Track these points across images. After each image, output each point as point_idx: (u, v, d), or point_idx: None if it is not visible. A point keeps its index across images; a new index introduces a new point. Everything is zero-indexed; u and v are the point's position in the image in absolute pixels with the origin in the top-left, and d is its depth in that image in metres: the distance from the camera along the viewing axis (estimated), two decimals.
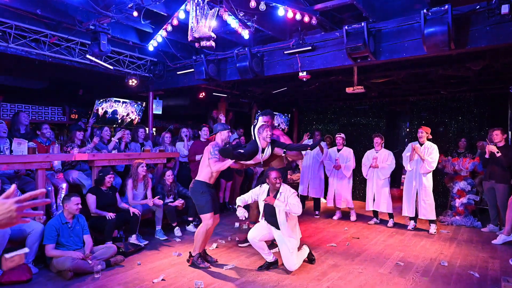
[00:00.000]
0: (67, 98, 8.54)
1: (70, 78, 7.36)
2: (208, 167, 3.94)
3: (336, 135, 6.64)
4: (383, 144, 6.19)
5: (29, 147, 4.28)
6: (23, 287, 3.38)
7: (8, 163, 4.00)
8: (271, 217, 3.93)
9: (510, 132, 6.94)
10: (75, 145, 5.12)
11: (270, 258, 4.00)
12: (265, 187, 4.00)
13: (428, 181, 5.58)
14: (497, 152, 5.27)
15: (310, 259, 4.15)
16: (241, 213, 3.83)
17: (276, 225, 3.89)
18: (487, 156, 5.45)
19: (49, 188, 4.60)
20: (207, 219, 3.91)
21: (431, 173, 5.59)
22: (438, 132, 8.00)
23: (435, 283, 3.63)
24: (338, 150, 6.50)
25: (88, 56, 5.41)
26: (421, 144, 5.59)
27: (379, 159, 6.02)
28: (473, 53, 4.98)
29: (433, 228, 5.54)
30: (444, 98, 7.93)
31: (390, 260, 4.30)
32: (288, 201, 3.79)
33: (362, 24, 4.12)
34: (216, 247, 4.72)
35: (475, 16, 3.73)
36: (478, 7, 3.66)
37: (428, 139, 5.64)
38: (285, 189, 3.91)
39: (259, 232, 3.98)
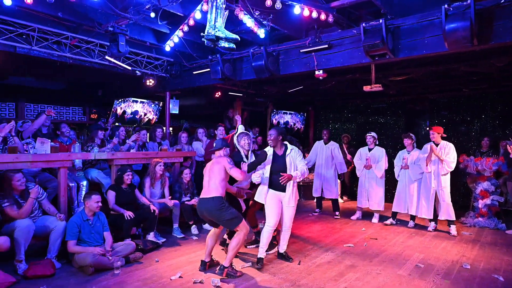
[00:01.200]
0: (87, 98, 8.75)
1: (89, 79, 7.54)
2: (223, 182, 3.75)
3: (367, 135, 6.34)
4: (415, 144, 5.98)
5: (51, 146, 4.40)
6: (47, 281, 3.47)
7: (32, 161, 4.13)
8: (278, 185, 4.00)
9: None
10: (95, 144, 5.23)
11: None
12: (268, 149, 4.10)
13: (447, 182, 5.46)
14: None
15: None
16: (257, 176, 4.03)
17: (284, 188, 4.03)
18: (511, 156, 5.27)
19: (72, 184, 4.73)
20: (244, 228, 3.70)
21: (449, 174, 5.46)
22: (459, 131, 7.79)
23: (457, 286, 3.53)
24: (370, 150, 6.27)
25: (107, 57, 5.53)
26: (436, 145, 5.45)
27: (409, 159, 5.88)
28: (497, 49, 4.80)
29: (453, 229, 5.40)
30: (466, 95, 7.71)
31: (409, 262, 4.21)
32: (298, 167, 4.01)
33: (380, 21, 4.05)
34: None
35: (500, 10, 3.59)
36: (502, 1, 3.52)
37: (444, 138, 5.50)
38: (292, 146, 4.12)
39: (275, 212, 4.03)
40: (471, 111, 7.67)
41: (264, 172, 4.09)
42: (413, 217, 5.92)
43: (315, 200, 7.21)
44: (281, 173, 3.92)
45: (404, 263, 4.16)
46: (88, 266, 3.66)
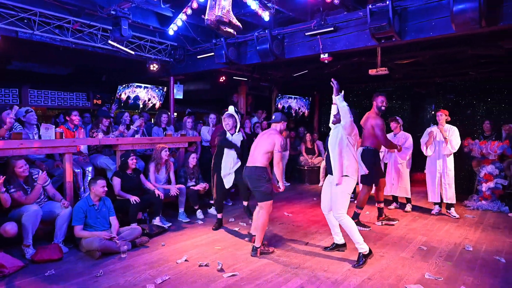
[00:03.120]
0: (91, 83, 8.72)
1: (93, 64, 7.49)
2: (267, 154, 3.89)
3: (390, 120, 6.06)
4: (401, 126, 5.99)
5: (56, 132, 4.43)
6: (55, 265, 3.55)
7: (37, 147, 4.16)
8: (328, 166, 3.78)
9: None
10: (100, 130, 5.25)
11: (338, 239, 4.00)
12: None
13: (451, 165, 5.49)
14: None
15: None
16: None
17: (331, 170, 3.72)
18: None
19: (78, 170, 4.78)
20: (270, 206, 3.86)
21: (452, 157, 5.46)
22: (465, 115, 7.72)
23: (459, 267, 3.57)
24: (395, 135, 6.04)
25: (110, 41, 5.48)
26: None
27: (396, 142, 5.85)
28: (506, 30, 4.70)
29: (453, 211, 5.46)
30: (473, 79, 7.60)
31: (412, 244, 4.25)
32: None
33: (387, 2, 3.95)
34: (238, 230, 4.80)
35: None
36: None
37: (449, 122, 5.49)
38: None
39: (324, 198, 3.90)
40: (477, 94, 7.58)
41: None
42: (408, 200, 5.94)
43: (319, 184, 7.21)
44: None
45: (407, 246, 4.20)
46: (95, 250, 3.73)
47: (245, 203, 5.00)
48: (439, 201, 5.62)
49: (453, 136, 5.39)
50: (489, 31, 3.94)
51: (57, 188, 4.37)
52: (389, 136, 5.95)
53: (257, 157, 3.90)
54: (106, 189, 4.10)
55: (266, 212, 3.84)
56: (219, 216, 4.89)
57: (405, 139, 5.86)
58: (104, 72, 8.46)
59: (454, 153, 5.55)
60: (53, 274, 3.37)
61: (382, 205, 5.13)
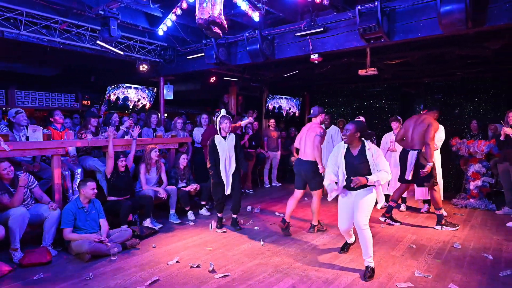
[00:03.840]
0: (80, 84, 8.63)
1: (81, 65, 7.41)
2: (317, 149, 4.40)
3: (391, 119, 6.06)
4: (401, 126, 6.01)
5: (44, 134, 4.36)
6: (44, 269, 3.50)
7: (24, 149, 4.09)
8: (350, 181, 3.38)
9: None
10: (89, 131, 5.19)
11: (351, 239, 4.00)
12: (341, 144, 3.57)
13: (439, 166, 5.51)
14: None
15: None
16: (332, 186, 3.52)
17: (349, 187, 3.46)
18: (502, 138, 5.33)
19: (66, 173, 4.71)
20: (321, 192, 4.59)
21: (439, 158, 5.52)
22: (453, 114, 7.84)
23: (447, 265, 3.63)
24: (395, 135, 6.01)
25: (98, 42, 5.42)
26: None
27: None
28: (492, 31, 4.79)
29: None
30: (460, 79, 7.72)
31: (402, 243, 4.30)
32: (378, 169, 3.33)
33: (376, 3, 4.00)
34: (224, 232, 4.79)
35: None
36: None
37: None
38: (371, 145, 3.44)
39: (345, 217, 3.61)
40: (464, 94, 7.70)
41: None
42: (404, 200, 5.99)
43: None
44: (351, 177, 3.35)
45: (397, 244, 4.25)
46: (85, 253, 3.69)
47: (234, 216, 4.93)
48: (427, 198, 5.68)
49: (439, 134, 5.36)
50: (475, 32, 4.01)
51: (46, 191, 4.30)
52: (389, 135, 6.01)
53: (308, 153, 4.49)
54: (96, 191, 4.05)
55: (318, 197, 4.57)
56: (220, 215, 4.93)
57: None
58: (93, 73, 8.37)
59: (442, 153, 5.62)
60: (42, 278, 3.32)
61: (394, 204, 5.15)
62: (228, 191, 4.76)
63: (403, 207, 5.96)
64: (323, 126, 4.67)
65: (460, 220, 5.31)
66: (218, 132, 4.75)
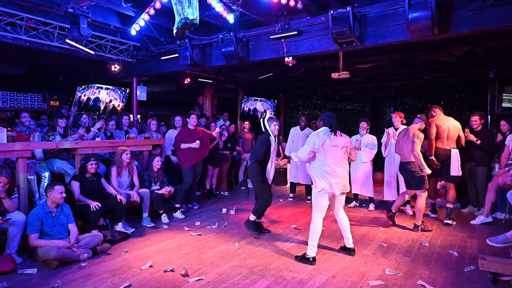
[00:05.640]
0: (47, 84, 8.27)
1: (49, 64, 7.13)
2: (413, 151, 4.69)
3: (361, 120, 6.28)
4: (369, 129, 6.22)
5: (8, 136, 4.16)
6: (8, 277, 3.33)
7: None
8: None
9: (489, 116, 7.12)
10: (57, 133, 4.99)
11: (349, 242, 4.05)
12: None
13: None
14: (476, 141, 5.46)
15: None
16: None
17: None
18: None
19: (31, 177, 4.51)
20: (424, 194, 4.77)
21: None
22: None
23: (416, 262, 3.76)
24: (361, 136, 6.17)
25: (67, 40, 5.25)
26: (396, 129, 5.70)
27: (362, 142, 6.07)
28: (456, 38, 5.04)
29: (409, 209, 5.83)
30: (428, 83, 8.06)
31: (374, 242, 4.42)
32: None
33: (348, 8, 4.11)
34: (199, 234, 4.74)
35: (458, 1, 3.75)
36: None
37: (404, 123, 5.77)
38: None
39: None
40: (432, 98, 8.04)
41: None
42: (371, 199, 6.16)
43: (287, 186, 7.28)
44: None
45: (369, 243, 4.36)
46: (52, 260, 3.54)
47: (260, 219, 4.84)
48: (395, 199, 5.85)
49: None
50: (440, 38, 4.21)
51: None
52: (357, 136, 6.15)
53: (407, 155, 4.80)
54: (64, 195, 3.90)
55: (424, 197, 4.75)
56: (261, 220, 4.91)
57: (371, 140, 6.05)
58: (62, 72, 8.06)
59: None
60: (5, 287, 3.15)
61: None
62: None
63: (371, 207, 6.11)
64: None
65: (428, 218, 5.51)
66: (270, 133, 4.55)
